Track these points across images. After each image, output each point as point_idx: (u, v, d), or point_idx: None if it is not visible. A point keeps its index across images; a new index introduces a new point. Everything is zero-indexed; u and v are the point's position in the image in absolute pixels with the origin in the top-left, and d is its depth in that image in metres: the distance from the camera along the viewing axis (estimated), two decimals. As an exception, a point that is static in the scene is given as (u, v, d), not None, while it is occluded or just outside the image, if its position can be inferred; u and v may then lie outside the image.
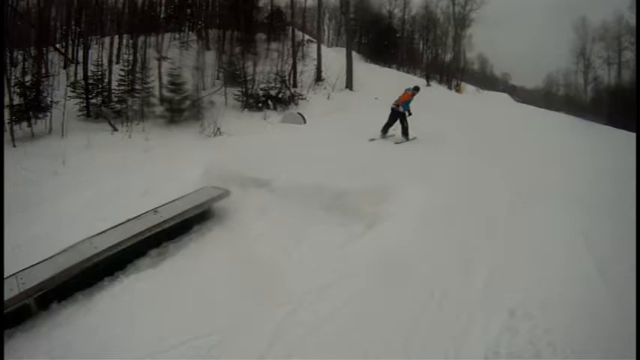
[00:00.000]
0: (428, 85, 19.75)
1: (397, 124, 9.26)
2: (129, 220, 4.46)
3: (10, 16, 15.46)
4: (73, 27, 17.19)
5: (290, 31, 16.03)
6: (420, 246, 4.02)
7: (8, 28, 15.34)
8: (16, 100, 12.16)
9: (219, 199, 4.84)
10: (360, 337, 2.94)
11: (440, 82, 21.98)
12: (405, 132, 9.25)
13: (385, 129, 9.42)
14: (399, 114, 9.25)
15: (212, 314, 3.28)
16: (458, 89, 22.91)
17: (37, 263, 3.75)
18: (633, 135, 11.50)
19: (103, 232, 4.24)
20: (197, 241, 4.44)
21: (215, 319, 3.23)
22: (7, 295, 3.24)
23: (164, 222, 4.35)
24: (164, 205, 4.70)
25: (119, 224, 4.38)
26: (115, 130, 11.47)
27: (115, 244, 3.98)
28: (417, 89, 9.52)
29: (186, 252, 4.28)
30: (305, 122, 10.61)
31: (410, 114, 9.26)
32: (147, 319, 3.31)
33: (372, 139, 9.04)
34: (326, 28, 23.41)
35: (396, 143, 8.88)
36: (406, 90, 9.49)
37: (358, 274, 3.65)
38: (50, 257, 3.84)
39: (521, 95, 28.36)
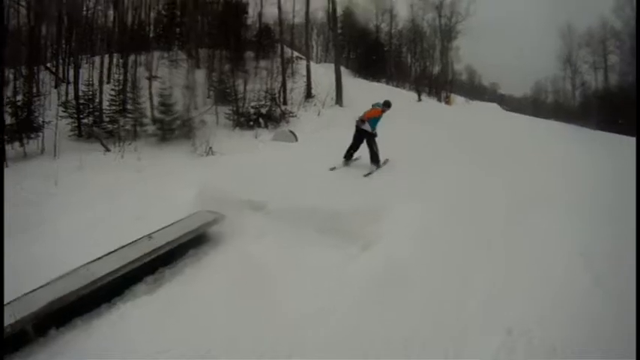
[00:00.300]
0: (419, 100, 19.84)
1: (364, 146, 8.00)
2: (124, 246, 4.50)
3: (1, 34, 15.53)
4: (64, 46, 17.19)
5: (279, 48, 16.19)
6: (416, 265, 4.10)
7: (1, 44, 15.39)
8: (8, 120, 12.15)
9: (213, 223, 4.90)
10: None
11: (429, 94, 22.19)
12: (374, 158, 7.83)
13: (349, 153, 8.11)
14: (365, 134, 7.90)
15: (208, 338, 3.33)
16: (447, 101, 23.14)
17: (35, 289, 3.76)
18: (625, 138, 11.70)
19: (100, 258, 4.28)
20: (193, 266, 4.48)
21: (211, 342, 3.28)
22: (6, 321, 3.25)
23: (159, 248, 4.40)
24: (159, 230, 4.74)
25: (115, 250, 4.42)
26: (107, 150, 11.46)
27: (112, 271, 4.02)
28: (387, 105, 8.26)
29: (181, 278, 4.31)
30: (297, 140, 10.69)
31: (375, 135, 7.95)
32: (144, 346, 3.34)
33: (333, 168, 7.78)
34: (314, 44, 23.58)
35: (365, 175, 7.54)
36: (374, 105, 8.25)
37: (355, 296, 3.73)
38: (48, 283, 3.85)
39: (510, 104, 28.70)
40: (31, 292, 3.73)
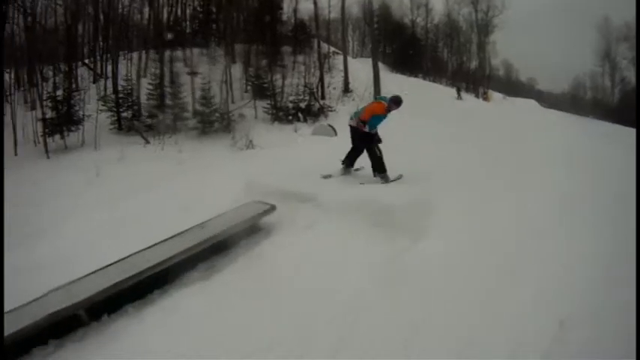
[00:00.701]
0: (458, 97, 19.27)
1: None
2: (176, 234, 4.47)
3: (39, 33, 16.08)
4: (101, 43, 17.67)
5: (315, 43, 16.13)
6: (466, 258, 3.89)
7: (37, 44, 15.93)
8: (49, 114, 12.54)
9: (265, 214, 4.82)
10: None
11: (466, 90, 21.72)
12: (378, 167, 6.12)
13: (349, 160, 6.48)
14: (363, 138, 6.21)
15: (258, 332, 3.21)
16: (485, 97, 22.62)
17: (89, 274, 3.78)
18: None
19: (152, 246, 4.25)
20: (245, 256, 4.41)
21: (261, 336, 3.17)
22: (59, 305, 3.27)
23: (212, 237, 4.35)
24: (210, 220, 4.69)
25: (167, 239, 4.39)
26: (148, 142, 11.65)
27: (166, 259, 3.98)
28: (396, 103, 6.25)
29: (234, 267, 4.25)
30: (336, 134, 10.56)
31: (375, 138, 6.20)
32: (196, 334, 3.27)
33: (328, 176, 6.31)
34: (350, 39, 23.47)
35: (362, 184, 5.94)
36: (378, 98, 6.93)
37: (407, 287, 3.56)
38: (102, 269, 3.87)
39: (548, 100, 27.86)
40: (84, 277, 3.75)
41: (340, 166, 6.54)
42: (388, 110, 6.25)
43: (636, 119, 9.68)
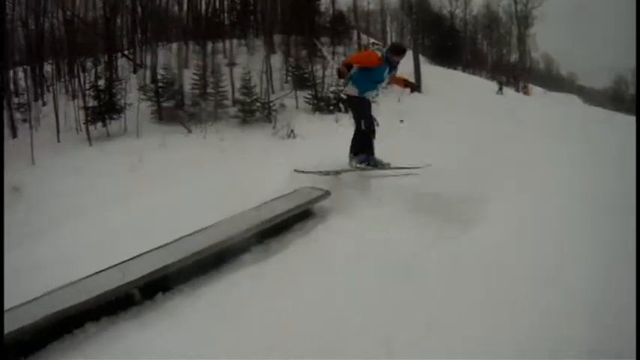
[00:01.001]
0: (500, 91, 18.65)
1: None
2: (230, 217, 4.50)
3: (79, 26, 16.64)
4: (139, 35, 18.11)
5: (354, 34, 16.04)
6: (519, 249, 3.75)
7: (77, 37, 16.49)
8: (91, 103, 12.98)
9: (319, 199, 4.80)
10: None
11: (507, 83, 21.13)
12: (360, 144, 5.12)
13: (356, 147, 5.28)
14: (351, 102, 5.14)
15: (313, 323, 3.09)
16: (525, 91, 21.97)
17: (144, 253, 3.83)
18: None
19: (206, 228, 4.27)
20: (300, 240, 4.41)
21: (315, 320, 3.09)
22: (113, 284, 3.30)
23: (268, 220, 4.35)
24: (265, 203, 4.71)
25: (222, 221, 4.40)
26: (189, 131, 11.86)
27: (222, 240, 4.00)
28: (396, 51, 4.81)
29: (289, 250, 4.24)
30: (378, 125, 10.46)
31: (364, 102, 4.91)
32: (248, 319, 3.25)
33: (327, 173, 5.33)
34: (388, 30, 23.21)
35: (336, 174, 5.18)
36: (373, 45, 5.14)
37: (460, 276, 3.47)
38: (157, 248, 3.91)
39: (589, 96, 26.84)
40: (137, 256, 3.80)
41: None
42: (382, 60, 4.68)
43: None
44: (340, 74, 4.75)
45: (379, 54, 4.79)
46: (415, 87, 5.69)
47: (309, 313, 3.18)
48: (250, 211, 4.59)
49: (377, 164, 5.13)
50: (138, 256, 3.79)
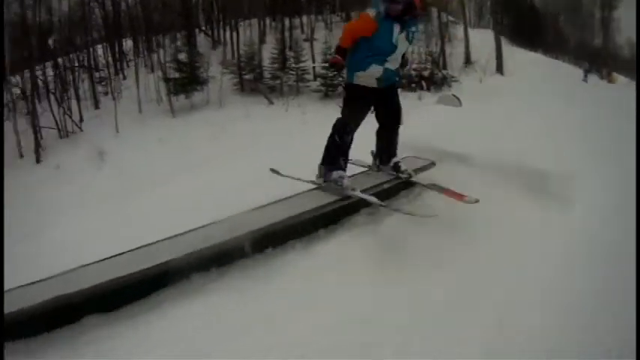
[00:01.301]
0: (585, 79, 17.60)
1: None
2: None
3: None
4: (216, 13, 18.75)
5: (434, 12, 15.75)
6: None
7: (153, 15, 17.39)
8: (172, 75, 13.68)
9: (425, 169, 4.99)
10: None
11: (589, 70, 20.00)
12: (326, 152, 4.31)
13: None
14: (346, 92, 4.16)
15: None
16: (610, 79, 20.65)
17: (252, 210, 3.99)
18: None
19: (316, 188, 4.52)
20: (409, 204, 4.61)
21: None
22: (223, 237, 3.39)
23: (380, 184, 4.60)
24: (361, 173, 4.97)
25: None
26: (271, 103, 12.31)
27: (337, 199, 4.25)
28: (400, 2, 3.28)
29: (398, 214, 4.43)
30: (461, 104, 10.42)
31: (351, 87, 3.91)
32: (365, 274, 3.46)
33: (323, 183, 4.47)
34: (467, 9, 22.47)
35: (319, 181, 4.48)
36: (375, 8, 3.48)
37: (558, 254, 3.58)
38: (262, 206, 4.09)
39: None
40: (249, 211, 3.94)
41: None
42: (390, 19, 3.40)
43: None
44: (333, 65, 3.69)
45: (370, 15, 3.51)
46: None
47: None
48: (360, 175, 4.86)
49: (338, 185, 4.17)
50: (248, 211, 3.94)
